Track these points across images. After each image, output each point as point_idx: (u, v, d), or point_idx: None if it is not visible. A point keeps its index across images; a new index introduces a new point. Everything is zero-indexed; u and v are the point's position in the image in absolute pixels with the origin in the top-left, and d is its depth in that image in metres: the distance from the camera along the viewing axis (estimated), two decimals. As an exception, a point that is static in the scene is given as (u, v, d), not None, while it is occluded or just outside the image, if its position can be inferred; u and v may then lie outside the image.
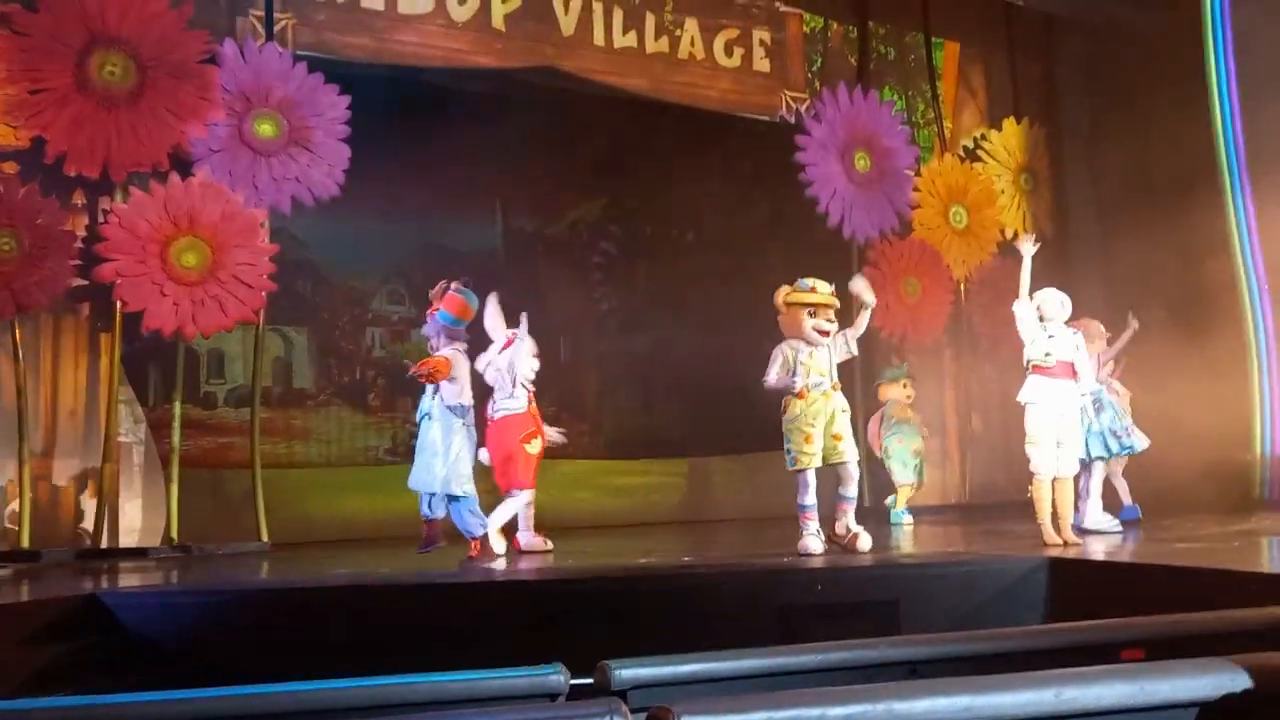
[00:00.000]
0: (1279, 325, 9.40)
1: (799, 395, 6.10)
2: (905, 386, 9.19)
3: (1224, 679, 2.09)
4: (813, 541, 6.09)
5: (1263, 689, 2.13)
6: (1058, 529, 6.20)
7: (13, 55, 7.47)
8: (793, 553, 6.04)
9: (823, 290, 6.21)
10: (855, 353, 6.37)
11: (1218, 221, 9.58)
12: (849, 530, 6.25)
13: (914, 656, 2.81)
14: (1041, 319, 6.36)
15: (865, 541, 6.17)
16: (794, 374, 6.13)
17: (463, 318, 6.63)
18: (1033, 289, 6.43)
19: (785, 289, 6.24)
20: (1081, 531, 6.69)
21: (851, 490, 6.27)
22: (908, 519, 8.96)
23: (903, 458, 9.04)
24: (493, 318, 6.91)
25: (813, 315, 6.15)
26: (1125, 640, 2.93)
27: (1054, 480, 6.24)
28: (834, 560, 5.90)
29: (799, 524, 6.17)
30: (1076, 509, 6.74)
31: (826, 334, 6.17)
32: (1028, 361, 6.34)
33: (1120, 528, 7.29)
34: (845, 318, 6.40)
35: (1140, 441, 7.56)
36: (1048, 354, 6.27)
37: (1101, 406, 7.44)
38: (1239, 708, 2.09)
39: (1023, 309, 6.38)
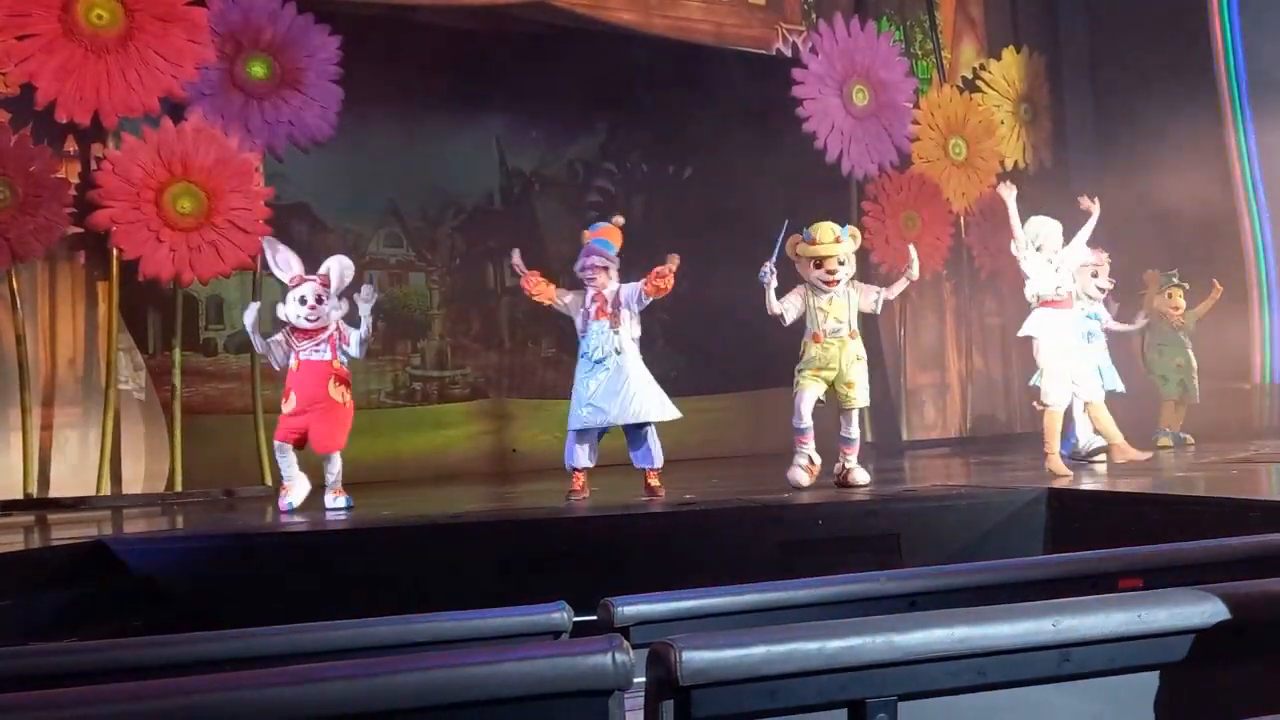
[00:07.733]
0: (1280, 253, 9.37)
1: (814, 339, 6.12)
2: (1172, 296, 8.52)
3: (1222, 607, 2.09)
4: (799, 474, 6.15)
5: (1261, 617, 2.14)
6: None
7: (-3, 1, 7.38)
8: (791, 489, 6.08)
9: (824, 240, 6.14)
10: (878, 311, 6.39)
11: (1219, 149, 9.50)
12: (845, 468, 6.31)
13: (913, 589, 2.82)
14: (1039, 249, 6.36)
15: (861, 476, 6.24)
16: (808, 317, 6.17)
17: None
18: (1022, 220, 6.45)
19: (795, 238, 6.21)
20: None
21: (853, 432, 6.32)
22: (1166, 440, 8.35)
23: (1164, 372, 8.55)
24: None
25: (817, 266, 6.14)
26: (1124, 570, 2.93)
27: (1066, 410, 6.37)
28: (835, 495, 5.94)
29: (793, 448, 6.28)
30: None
31: (831, 283, 6.15)
32: (1036, 296, 6.33)
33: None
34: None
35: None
36: (1058, 287, 6.28)
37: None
38: (1238, 636, 2.10)
39: (1025, 254, 6.36)
